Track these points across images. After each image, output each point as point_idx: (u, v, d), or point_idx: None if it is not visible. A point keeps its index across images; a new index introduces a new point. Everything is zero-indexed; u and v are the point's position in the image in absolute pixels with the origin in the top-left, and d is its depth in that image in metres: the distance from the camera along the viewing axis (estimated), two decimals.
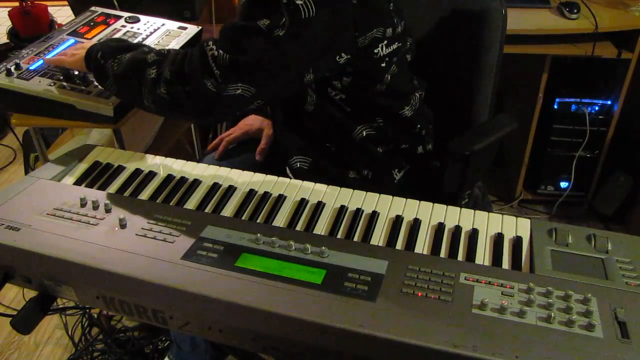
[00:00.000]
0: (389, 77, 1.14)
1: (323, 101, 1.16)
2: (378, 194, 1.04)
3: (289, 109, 1.22)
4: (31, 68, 1.30)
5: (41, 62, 1.32)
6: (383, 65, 1.12)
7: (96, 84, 1.26)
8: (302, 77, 1.06)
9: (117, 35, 1.47)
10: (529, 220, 0.98)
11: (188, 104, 1.04)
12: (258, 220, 0.99)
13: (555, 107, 2.13)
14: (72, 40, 1.43)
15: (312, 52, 1.03)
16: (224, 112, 1.04)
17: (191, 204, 1.03)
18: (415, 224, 0.97)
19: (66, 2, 1.88)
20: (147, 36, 1.48)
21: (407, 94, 1.21)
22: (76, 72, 1.28)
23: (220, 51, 0.99)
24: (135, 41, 1.45)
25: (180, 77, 1.01)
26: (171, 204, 1.03)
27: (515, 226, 0.97)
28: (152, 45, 1.44)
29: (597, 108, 2.11)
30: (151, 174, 1.10)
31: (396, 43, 1.13)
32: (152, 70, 1.04)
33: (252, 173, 1.10)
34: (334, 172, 1.12)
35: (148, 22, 1.54)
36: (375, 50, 1.09)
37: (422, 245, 0.94)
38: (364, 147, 1.20)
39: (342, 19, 1.02)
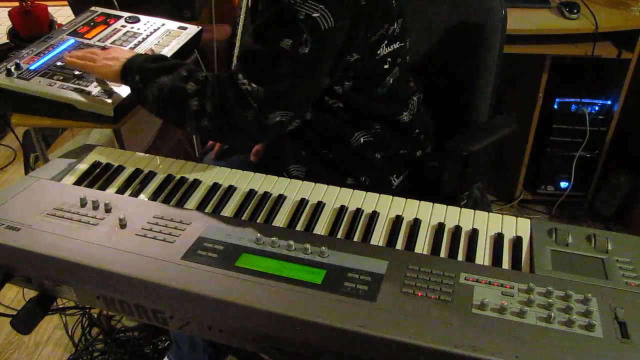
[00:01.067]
0: (390, 80, 1.14)
1: (320, 109, 1.16)
2: (378, 194, 1.04)
3: None
4: (31, 68, 1.30)
5: (41, 62, 1.32)
6: (386, 67, 1.12)
7: (96, 84, 1.26)
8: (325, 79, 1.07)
9: (117, 36, 1.47)
10: (529, 220, 0.98)
11: (232, 136, 1.05)
12: (258, 220, 0.99)
13: (555, 107, 2.13)
14: (71, 40, 1.43)
15: (335, 59, 1.04)
16: (265, 138, 1.06)
17: (191, 204, 1.03)
18: (415, 224, 0.97)
19: (66, 2, 1.88)
20: (147, 36, 1.48)
21: (406, 98, 1.21)
22: (76, 72, 1.28)
23: (254, 85, 0.98)
24: (135, 41, 1.45)
25: (222, 112, 1.01)
26: (171, 204, 1.03)
27: (515, 226, 0.97)
28: (153, 45, 1.44)
29: (597, 108, 2.11)
30: (151, 174, 1.10)
31: (397, 42, 1.13)
32: (194, 102, 1.03)
33: (252, 173, 1.10)
34: (331, 180, 1.12)
35: (148, 22, 1.54)
36: (378, 51, 1.09)
37: (422, 245, 0.94)
38: (361, 154, 1.20)
39: (357, 21, 1.02)
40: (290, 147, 1.23)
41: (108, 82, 1.26)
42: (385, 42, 1.10)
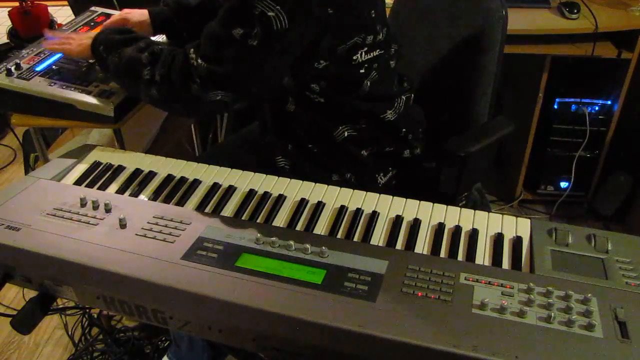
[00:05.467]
0: (368, 84, 1.15)
1: (303, 102, 1.17)
2: (378, 194, 1.04)
3: (274, 110, 1.23)
4: (37, 69, 1.30)
5: (47, 63, 1.31)
6: (362, 71, 1.13)
7: (96, 84, 1.26)
8: (280, 81, 1.12)
9: None
10: (529, 220, 0.98)
11: (177, 105, 1.13)
12: (258, 220, 0.99)
13: (555, 107, 2.13)
14: None
15: (288, 61, 1.07)
16: (209, 113, 1.12)
17: (191, 204, 1.03)
18: (415, 224, 0.97)
19: (66, 2, 1.88)
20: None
21: (390, 97, 1.21)
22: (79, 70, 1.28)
23: (199, 60, 1.04)
24: None
25: (168, 81, 1.08)
26: (171, 204, 1.03)
27: (515, 226, 0.97)
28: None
29: (597, 108, 2.11)
30: (151, 174, 1.10)
31: (377, 50, 1.14)
32: (146, 71, 1.10)
33: (252, 173, 1.10)
34: (317, 175, 1.13)
35: None
36: (354, 57, 1.10)
37: (422, 245, 0.94)
38: (346, 149, 1.20)
39: (318, 28, 1.04)
40: (276, 139, 1.24)
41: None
42: (365, 49, 1.11)
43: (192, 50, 1.06)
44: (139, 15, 1.41)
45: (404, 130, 1.24)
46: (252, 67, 1.04)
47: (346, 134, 1.19)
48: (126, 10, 1.43)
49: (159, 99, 1.11)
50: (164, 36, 1.46)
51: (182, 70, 1.06)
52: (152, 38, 1.44)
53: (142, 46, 1.13)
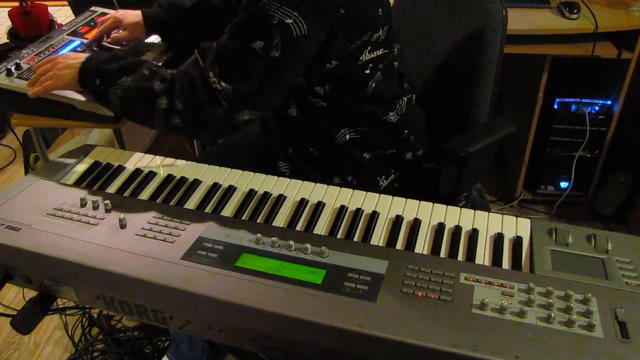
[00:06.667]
0: (373, 85, 1.14)
1: (305, 107, 1.17)
2: (378, 194, 1.04)
3: (276, 114, 1.22)
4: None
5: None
6: (367, 72, 1.12)
7: None
8: (294, 82, 1.09)
9: (117, 34, 1.47)
10: (529, 220, 0.98)
11: (202, 131, 1.08)
12: (258, 220, 0.99)
13: (555, 107, 2.13)
14: (77, 42, 1.43)
15: (305, 66, 1.06)
16: (234, 132, 1.09)
17: (191, 204, 1.03)
18: (415, 224, 0.97)
19: (66, 2, 1.88)
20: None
21: (392, 99, 1.21)
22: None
23: (223, 84, 1.00)
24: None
25: (192, 109, 1.03)
26: (171, 204, 1.03)
27: (515, 226, 0.97)
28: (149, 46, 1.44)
29: (597, 108, 2.11)
30: (151, 174, 1.10)
31: (381, 49, 1.13)
32: (163, 101, 1.04)
33: (252, 173, 1.11)
34: (318, 178, 1.13)
35: None
36: (360, 57, 1.10)
37: (422, 245, 0.94)
38: (347, 152, 1.20)
39: (333, 30, 1.04)
40: (278, 143, 1.24)
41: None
42: (369, 48, 1.11)
43: (210, 73, 1.01)
44: (132, 16, 1.40)
45: (406, 132, 1.24)
46: (277, 79, 1.02)
47: (348, 136, 1.18)
48: (120, 11, 1.42)
49: (183, 127, 1.06)
50: (157, 37, 1.46)
51: (207, 96, 1.02)
52: (147, 40, 1.45)
53: (147, 74, 1.07)
